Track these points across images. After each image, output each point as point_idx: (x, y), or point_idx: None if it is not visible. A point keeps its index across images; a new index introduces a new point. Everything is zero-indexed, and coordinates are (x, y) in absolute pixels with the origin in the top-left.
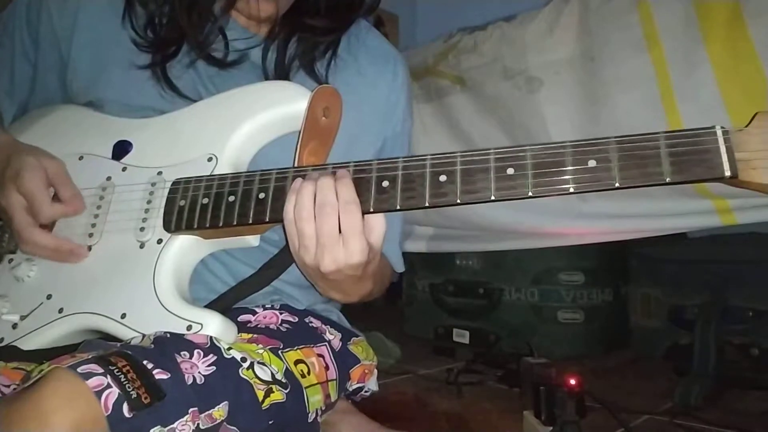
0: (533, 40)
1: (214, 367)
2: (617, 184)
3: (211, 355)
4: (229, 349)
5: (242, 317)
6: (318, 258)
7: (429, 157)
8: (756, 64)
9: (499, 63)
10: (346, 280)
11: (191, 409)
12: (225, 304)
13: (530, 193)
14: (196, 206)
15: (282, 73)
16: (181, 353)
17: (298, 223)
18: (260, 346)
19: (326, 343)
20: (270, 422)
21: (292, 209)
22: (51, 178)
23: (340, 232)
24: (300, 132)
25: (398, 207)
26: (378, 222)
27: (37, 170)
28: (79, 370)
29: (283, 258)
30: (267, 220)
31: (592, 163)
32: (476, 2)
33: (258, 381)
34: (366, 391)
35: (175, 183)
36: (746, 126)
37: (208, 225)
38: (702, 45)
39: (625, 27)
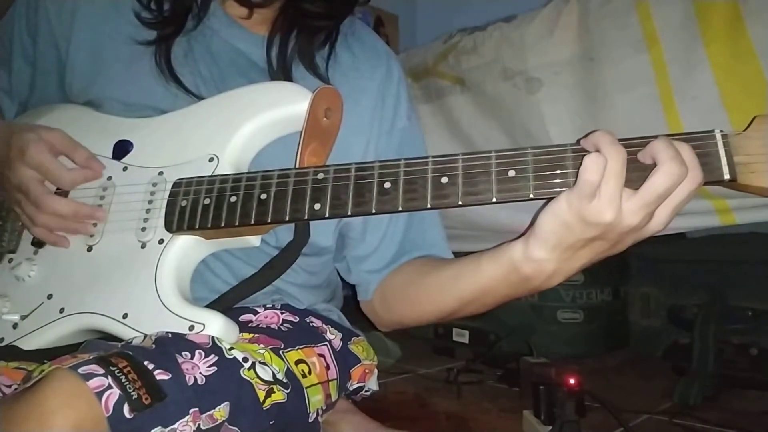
0: (533, 41)
1: (216, 368)
2: None
3: (213, 355)
4: (231, 349)
5: (243, 317)
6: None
7: (430, 158)
8: (755, 64)
9: (499, 63)
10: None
11: (192, 410)
12: (226, 304)
13: (531, 195)
14: (198, 206)
15: (283, 68)
16: (183, 353)
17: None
18: (261, 345)
19: (327, 343)
20: (271, 422)
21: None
22: (58, 147)
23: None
24: (301, 132)
25: (400, 208)
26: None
27: (42, 143)
28: (80, 370)
29: (285, 257)
30: (269, 220)
31: None
32: (476, 3)
33: (259, 381)
34: (366, 391)
35: (177, 183)
36: (744, 130)
37: (209, 225)
38: (701, 45)
39: (624, 27)
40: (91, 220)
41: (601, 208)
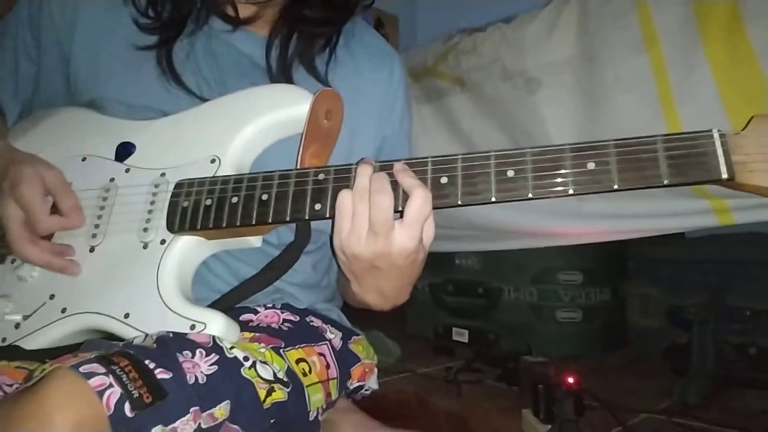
0: (532, 41)
1: (216, 367)
2: (616, 186)
3: (213, 354)
4: (232, 348)
5: (244, 316)
6: (369, 241)
7: (430, 159)
8: (754, 65)
9: (499, 64)
10: (391, 272)
11: (193, 409)
12: (227, 304)
13: (530, 195)
14: (200, 207)
15: (284, 70)
16: (184, 353)
17: (356, 204)
18: (262, 345)
19: (327, 342)
20: (271, 421)
21: (350, 193)
22: (50, 187)
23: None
24: (302, 134)
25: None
26: (430, 222)
27: (35, 181)
28: (81, 369)
29: (285, 259)
30: (270, 221)
31: (591, 166)
32: (476, 3)
33: (260, 380)
34: (366, 390)
35: (179, 184)
36: (743, 129)
37: (211, 226)
38: (700, 46)
39: (623, 28)
40: (62, 272)
41: (348, 240)
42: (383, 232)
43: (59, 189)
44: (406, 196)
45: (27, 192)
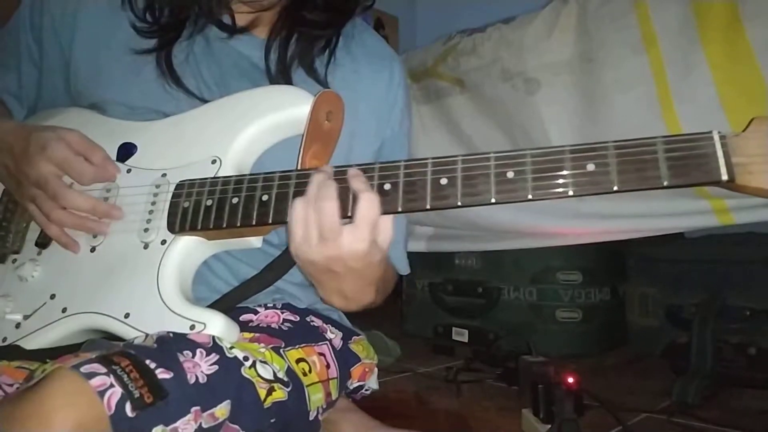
0: (532, 42)
1: (217, 366)
2: (615, 188)
3: (214, 354)
4: (232, 348)
5: (244, 317)
6: (320, 246)
7: (430, 160)
8: (753, 65)
9: (498, 65)
10: (348, 275)
11: (193, 408)
12: (227, 304)
13: (530, 196)
14: (200, 208)
15: (283, 71)
16: (184, 353)
17: (307, 211)
18: (262, 345)
19: (327, 342)
20: (272, 420)
21: (302, 200)
22: (76, 147)
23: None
24: (303, 135)
25: (400, 209)
26: (386, 224)
27: (62, 141)
28: (82, 369)
29: (285, 259)
30: (270, 221)
31: (590, 167)
32: (475, 4)
33: (260, 380)
34: (366, 390)
35: (179, 185)
36: (743, 131)
37: (211, 226)
38: (699, 46)
39: (622, 28)
40: (107, 219)
41: (300, 247)
42: (332, 237)
43: (86, 146)
44: None
45: (58, 150)
